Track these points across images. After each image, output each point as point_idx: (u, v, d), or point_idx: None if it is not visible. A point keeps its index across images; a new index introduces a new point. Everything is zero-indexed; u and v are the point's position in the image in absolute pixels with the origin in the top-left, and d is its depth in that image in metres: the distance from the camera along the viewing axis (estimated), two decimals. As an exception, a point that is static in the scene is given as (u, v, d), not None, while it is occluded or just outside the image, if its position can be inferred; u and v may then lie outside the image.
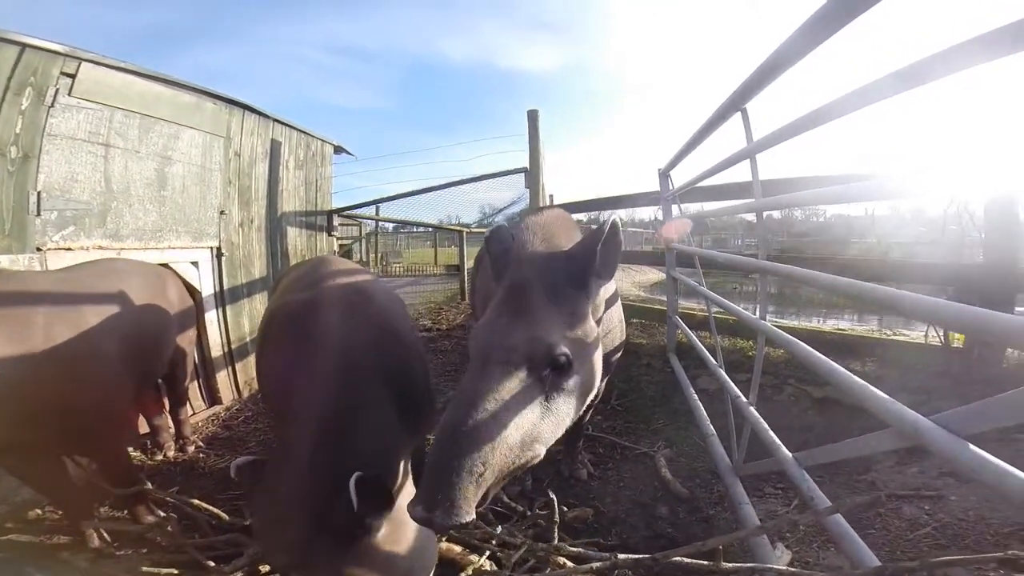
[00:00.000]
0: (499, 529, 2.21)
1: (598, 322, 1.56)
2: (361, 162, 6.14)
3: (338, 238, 5.92)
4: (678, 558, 1.68)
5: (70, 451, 2.30)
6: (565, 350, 1.25)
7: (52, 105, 2.98)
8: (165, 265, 3.60)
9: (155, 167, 3.63)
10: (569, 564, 1.94)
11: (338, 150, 5.86)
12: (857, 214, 19.13)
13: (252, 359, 4.49)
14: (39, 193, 2.86)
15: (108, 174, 3.28)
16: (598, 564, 1.86)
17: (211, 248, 4.09)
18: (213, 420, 4.00)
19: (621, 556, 1.85)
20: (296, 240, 5.17)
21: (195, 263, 3.92)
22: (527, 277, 1.35)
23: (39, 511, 2.64)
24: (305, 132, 5.37)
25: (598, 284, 1.45)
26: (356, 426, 1.35)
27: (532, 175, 5.10)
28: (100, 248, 3.17)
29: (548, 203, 5.47)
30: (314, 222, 5.41)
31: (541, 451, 1.22)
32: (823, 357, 1.58)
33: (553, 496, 2.11)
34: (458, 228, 6.80)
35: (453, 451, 1.03)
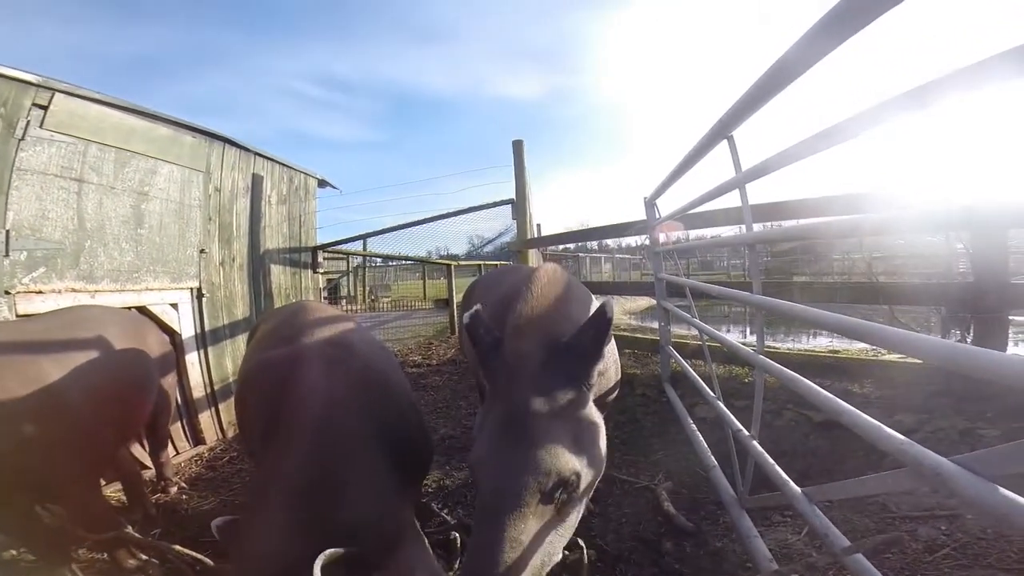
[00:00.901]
0: None
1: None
2: (348, 195, 6.08)
3: (324, 273, 5.74)
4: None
5: (40, 500, 2.12)
6: (575, 468, 1.23)
7: (22, 138, 2.81)
8: (142, 308, 3.40)
9: (131, 204, 3.45)
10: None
11: (322, 184, 5.75)
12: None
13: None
14: (7, 232, 2.66)
15: (81, 211, 3.09)
16: None
17: (191, 289, 3.89)
18: (196, 460, 3.81)
19: None
20: (280, 278, 4.98)
21: (174, 304, 3.71)
22: (525, 398, 1.26)
23: (14, 552, 2.51)
24: (288, 166, 5.24)
25: (596, 369, 1.39)
26: (337, 490, 1.27)
27: (519, 206, 5.06)
28: (73, 291, 2.96)
29: (536, 233, 5.42)
30: (298, 259, 5.23)
31: (559, 556, 1.25)
32: (829, 395, 1.50)
33: (582, 543, 1.98)
34: (446, 262, 6.69)
35: None
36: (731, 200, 2.77)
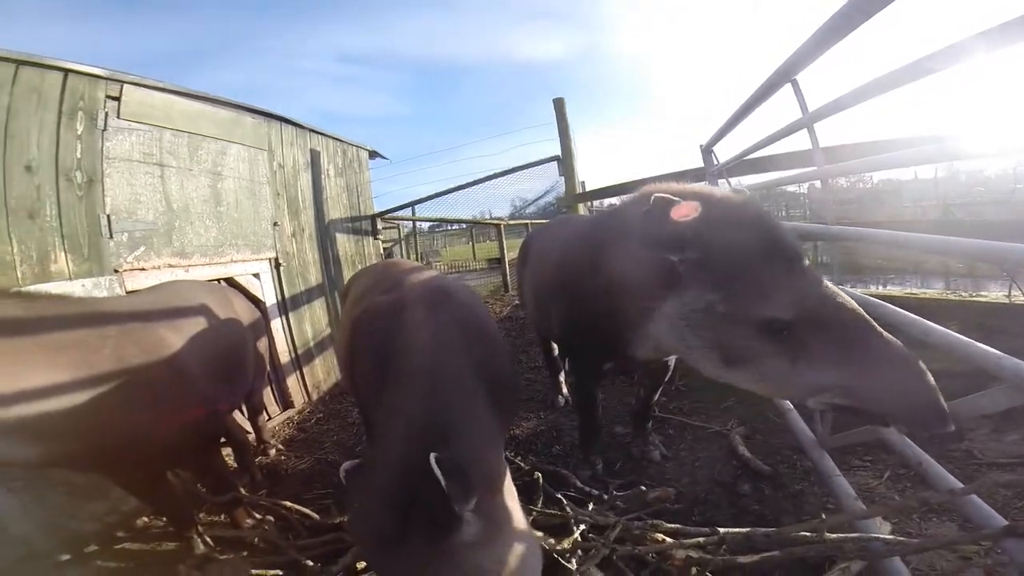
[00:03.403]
0: (590, 506, 2.11)
1: None
2: (392, 166, 6.07)
3: (383, 241, 5.82)
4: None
5: (167, 466, 2.22)
6: None
7: (104, 128, 2.88)
8: (229, 279, 3.52)
9: (208, 184, 3.53)
10: (669, 541, 1.80)
11: (373, 155, 5.76)
12: (906, 178, 17.05)
13: (318, 362, 4.46)
14: (108, 216, 2.77)
15: (167, 193, 3.18)
16: (703, 539, 1.76)
17: (269, 259, 4.00)
18: (288, 423, 3.95)
19: (724, 530, 1.74)
20: (345, 245, 5.07)
21: (256, 275, 3.83)
22: None
23: (146, 519, 2.63)
24: (341, 140, 5.27)
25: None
26: (449, 423, 1.26)
27: (565, 163, 4.95)
28: (170, 266, 3.08)
29: (580, 190, 5.29)
30: (359, 227, 5.30)
31: None
32: (915, 316, 1.41)
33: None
34: (495, 222, 6.66)
35: None
36: (788, 144, 2.66)
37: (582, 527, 1.92)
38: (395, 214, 5.93)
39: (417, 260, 10.14)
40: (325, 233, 4.78)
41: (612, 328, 1.94)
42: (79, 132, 2.74)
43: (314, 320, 4.44)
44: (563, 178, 4.93)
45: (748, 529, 1.76)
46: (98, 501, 2.43)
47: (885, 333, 1.26)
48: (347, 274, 4.99)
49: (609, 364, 2.29)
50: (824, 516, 1.59)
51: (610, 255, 1.87)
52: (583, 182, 5.51)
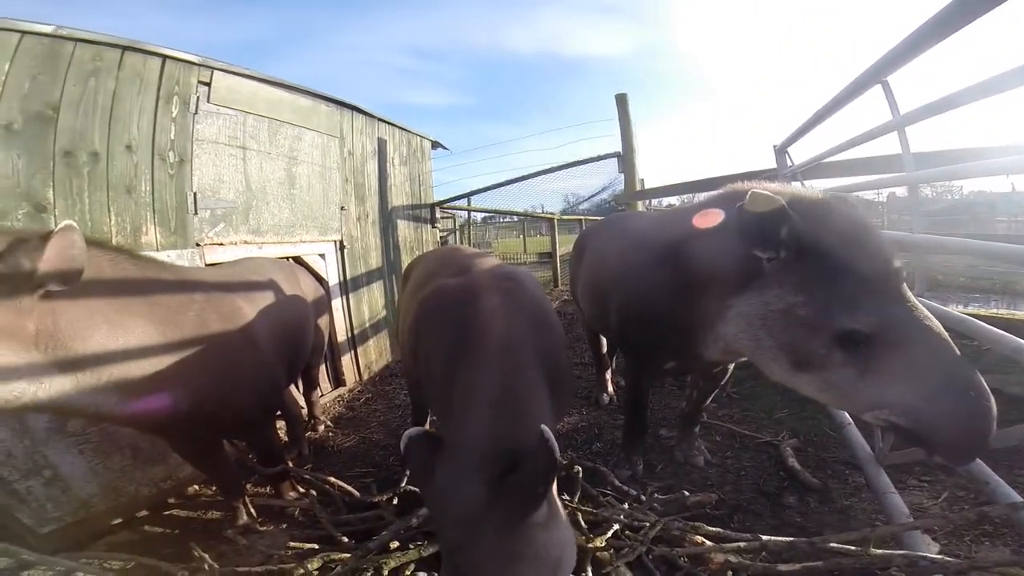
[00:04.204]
0: (625, 506, 2.10)
1: None
2: (448, 157, 6.11)
3: (441, 229, 5.91)
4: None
5: (228, 433, 2.34)
6: None
7: (196, 112, 3.05)
8: (298, 258, 3.68)
9: (284, 167, 3.69)
10: (708, 544, 1.79)
11: (435, 145, 5.84)
12: (1002, 189, 15.29)
13: (371, 343, 4.58)
14: (195, 194, 2.95)
15: (247, 175, 3.36)
16: (744, 544, 1.73)
17: (335, 241, 4.15)
18: (338, 401, 4.07)
19: (766, 538, 1.71)
20: (405, 232, 5.19)
21: (322, 255, 3.98)
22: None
23: (196, 487, 2.76)
24: (406, 130, 5.37)
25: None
26: (523, 405, 1.31)
27: (626, 159, 4.85)
28: (246, 243, 3.26)
29: (640, 187, 5.18)
30: (420, 215, 5.41)
31: None
32: (1006, 333, 1.31)
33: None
34: (549, 216, 6.63)
35: None
36: (868, 149, 2.50)
37: (616, 526, 1.92)
38: (452, 204, 6.00)
39: (472, 249, 10.19)
40: (387, 219, 4.91)
41: (682, 326, 1.91)
42: (174, 115, 2.92)
43: (372, 302, 4.58)
44: (622, 175, 4.84)
45: (791, 538, 1.73)
46: (157, 466, 2.57)
47: (964, 363, 1.23)
48: (405, 260, 5.10)
49: (671, 363, 2.27)
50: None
51: (689, 250, 1.84)
52: (642, 180, 5.40)
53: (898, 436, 1.39)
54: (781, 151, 3.62)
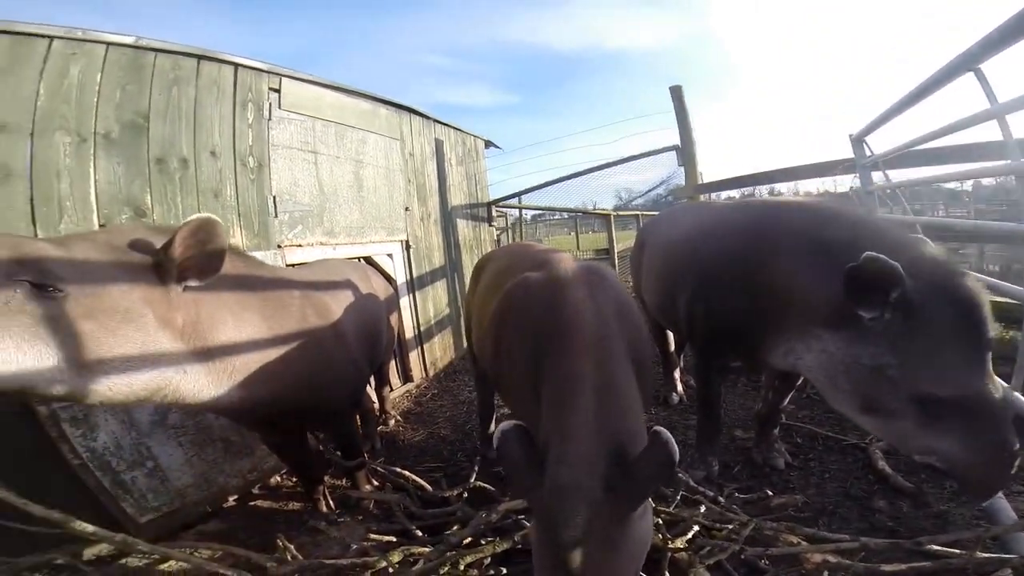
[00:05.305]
0: (702, 508, 2.00)
1: None
2: (498, 156, 6.04)
3: (497, 228, 5.86)
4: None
5: (318, 425, 2.36)
6: None
7: (269, 118, 3.08)
8: (368, 258, 3.68)
9: (352, 170, 3.70)
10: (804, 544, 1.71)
11: (487, 144, 5.80)
12: None
13: (436, 340, 4.56)
14: (274, 197, 2.98)
15: (320, 178, 3.37)
16: (845, 544, 1.64)
17: (401, 241, 4.15)
18: (407, 396, 4.08)
19: (865, 539, 1.63)
20: (464, 231, 5.17)
21: (390, 255, 3.98)
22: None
23: (278, 478, 2.79)
24: (460, 130, 5.36)
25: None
26: (621, 396, 1.30)
27: (685, 152, 4.68)
28: (321, 244, 3.27)
29: (699, 180, 4.98)
30: (476, 213, 5.39)
31: None
32: None
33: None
34: (605, 212, 6.47)
35: None
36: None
37: (696, 527, 1.85)
38: (505, 202, 5.94)
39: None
40: (448, 218, 4.89)
41: (752, 328, 1.88)
42: (250, 121, 2.95)
43: (436, 300, 4.57)
44: (681, 168, 4.65)
45: (891, 540, 1.65)
46: (244, 458, 2.60)
47: (1010, 429, 1.33)
48: (466, 258, 5.10)
49: (735, 362, 2.24)
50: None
51: (779, 260, 1.78)
52: (700, 172, 5.20)
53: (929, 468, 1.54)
54: (858, 140, 3.41)
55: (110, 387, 1.19)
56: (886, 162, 3.25)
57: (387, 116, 4.20)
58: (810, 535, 1.75)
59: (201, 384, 1.48)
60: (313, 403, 1.95)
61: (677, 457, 1.06)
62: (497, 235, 8.25)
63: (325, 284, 2.30)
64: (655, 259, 2.82)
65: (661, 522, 1.81)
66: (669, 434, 1.07)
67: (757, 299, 1.84)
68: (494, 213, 5.55)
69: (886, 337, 1.43)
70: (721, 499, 2.09)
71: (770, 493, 2.12)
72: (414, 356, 4.28)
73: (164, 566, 1.92)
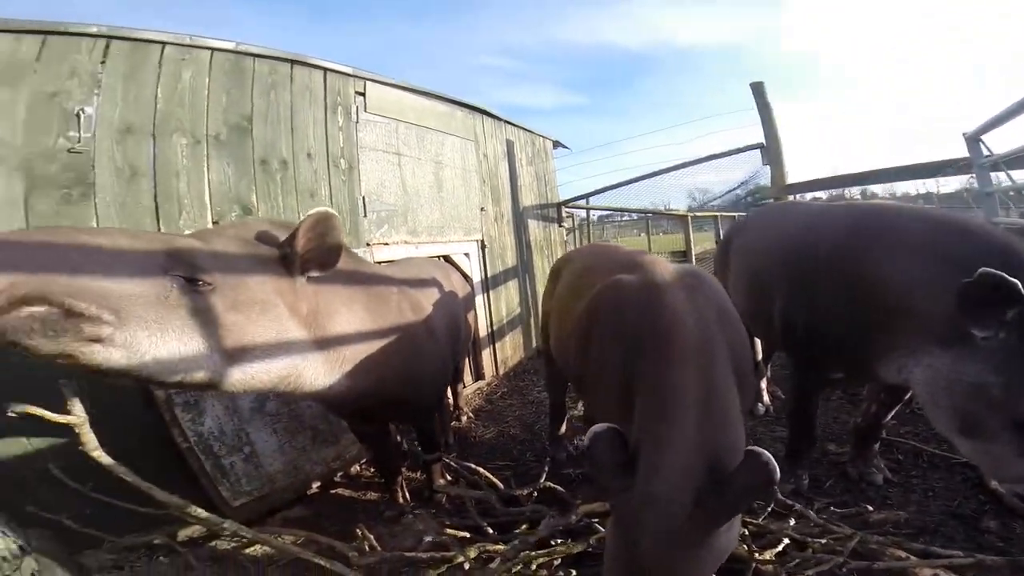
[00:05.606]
0: (791, 521, 1.90)
1: None
2: (564, 157, 5.94)
3: (567, 228, 5.80)
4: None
5: (406, 416, 2.36)
6: None
7: (356, 121, 3.16)
8: (447, 257, 3.71)
9: (432, 171, 3.75)
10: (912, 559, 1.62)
11: (556, 145, 5.75)
12: None
13: (508, 339, 4.55)
14: (363, 198, 3.05)
15: (403, 179, 3.43)
16: (958, 560, 1.57)
17: (477, 241, 4.18)
18: (478, 394, 4.10)
19: (980, 555, 1.57)
20: (535, 231, 5.15)
21: (467, 254, 4.02)
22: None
23: (357, 467, 2.84)
24: (529, 131, 5.35)
25: None
26: (723, 407, 1.25)
27: (771, 150, 4.42)
28: (405, 243, 3.33)
29: (786, 180, 4.69)
30: (546, 214, 5.36)
31: None
32: None
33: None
34: (682, 213, 6.26)
35: None
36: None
37: (786, 540, 1.77)
38: (574, 203, 5.85)
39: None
40: (520, 219, 4.89)
41: (862, 340, 1.78)
42: (340, 124, 3.04)
43: (508, 300, 4.57)
44: (764, 168, 4.41)
45: (1010, 557, 1.57)
46: (329, 447, 2.66)
47: None
48: (536, 259, 5.07)
49: (838, 374, 2.10)
50: None
51: (894, 272, 1.68)
52: (787, 172, 4.92)
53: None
54: (973, 139, 3.15)
55: (253, 375, 1.24)
56: (1008, 162, 2.96)
57: (462, 118, 4.23)
58: (920, 550, 1.66)
59: (318, 372, 1.51)
60: (406, 395, 1.98)
61: (776, 478, 1.02)
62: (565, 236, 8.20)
63: (416, 281, 2.33)
64: (745, 262, 2.69)
65: (747, 533, 1.75)
66: (769, 455, 1.03)
67: (866, 310, 1.75)
68: (564, 214, 5.48)
69: (994, 354, 1.36)
70: (810, 513, 1.98)
71: (870, 508, 2.01)
72: (486, 354, 4.29)
73: (249, 550, 1.99)
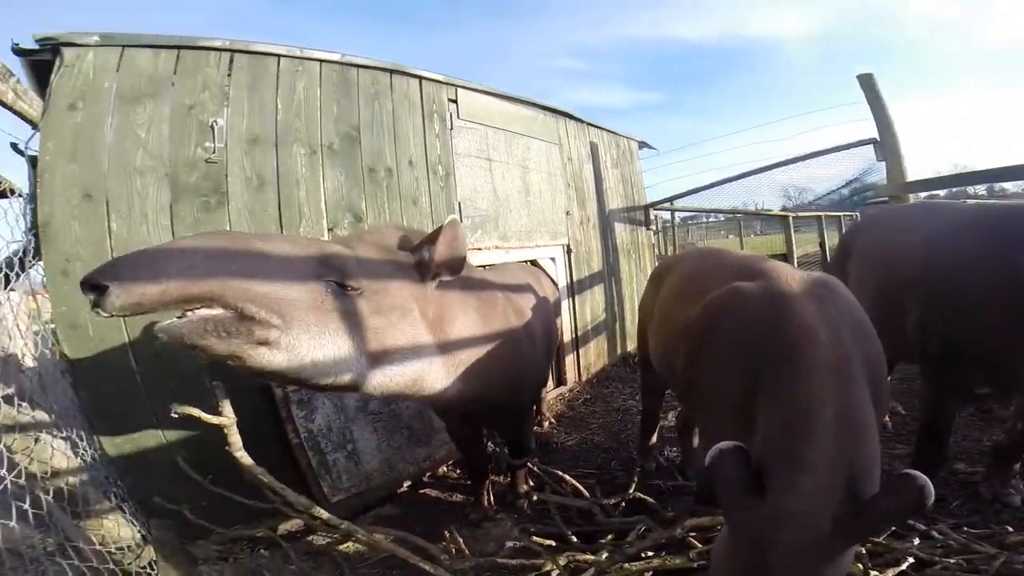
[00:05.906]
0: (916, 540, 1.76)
1: None
2: (647, 158, 5.72)
3: (654, 231, 5.63)
4: None
5: (504, 420, 2.30)
6: None
7: (451, 128, 3.21)
8: (534, 261, 3.70)
9: (519, 176, 3.76)
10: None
11: (641, 145, 5.61)
12: None
13: (592, 345, 4.49)
14: (459, 203, 3.12)
15: (494, 184, 3.47)
16: None
17: (563, 245, 4.15)
18: (560, 399, 4.05)
19: None
20: (622, 235, 5.05)
21: (553, 259, 4.00)
22: None
23: (444, 468, 2.87)
24: (613, 132, 5.25)
25: None
26: (861, 425, 1.19)
27: (886, 145, 4.06)
28: (496, 247, 3.37)
29: (905, 177, 4.28)
30: (634, 217, 5.24)
31: None
32: None
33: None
34: (782, 214, 5.88)
35: None
36: None
37: (911, 559, 1.66)
38: (661, 205, 5.65)
39: (676, 251, 9.72)
40: (605, 222, 4.81)
41: (1017, 353, 1.68)
42: (436, 131, 3.11)
43: (593, 305, 4.50)
44: (882, 163, 4.05)
45: None
46: (422, 447, 2.71)
47: None
48: (623, 263, 4.97)
49: (985, 388, 1.98)
50: None
51: None
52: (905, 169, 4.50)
53: None
54: None
55: (391, 377, 1.28)
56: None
57: (545, 121, 4.21)
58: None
59: (439, 375, 1.55)
60: (507, 399, 1.99)
61: (928, 505, 0.98)
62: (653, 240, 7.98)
63: (516, 286, 2.34)
64: (870, 268, 2.51)
65: (864, 552, 1.63)
66: (927, 479, 0.99)
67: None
68: (652, 216, 5.32)
69: None
70: (949, 532, 1.86)
71: (1009, 528, 1.85)
72: (569, 360, 4.24)
73: (342, 546, 2.05)
